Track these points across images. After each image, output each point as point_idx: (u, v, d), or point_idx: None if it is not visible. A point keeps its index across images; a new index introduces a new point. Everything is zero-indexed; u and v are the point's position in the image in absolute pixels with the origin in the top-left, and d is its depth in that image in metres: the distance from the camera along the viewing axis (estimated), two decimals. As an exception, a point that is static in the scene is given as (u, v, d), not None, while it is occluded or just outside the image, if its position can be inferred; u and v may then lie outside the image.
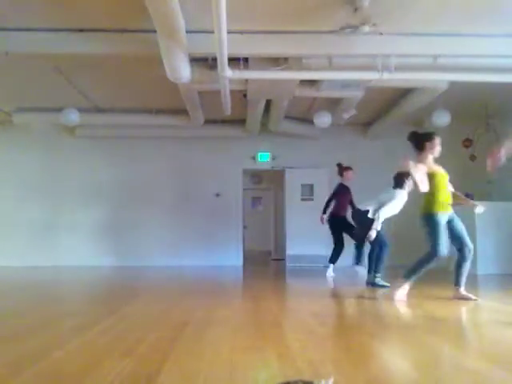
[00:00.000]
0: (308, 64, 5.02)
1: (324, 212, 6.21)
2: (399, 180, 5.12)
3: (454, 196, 4.08)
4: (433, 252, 3.77)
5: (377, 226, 4.87)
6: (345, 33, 4.37)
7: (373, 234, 4.86)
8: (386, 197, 5.04)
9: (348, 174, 6.27)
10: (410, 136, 4.19)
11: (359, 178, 8.64)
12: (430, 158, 4.01)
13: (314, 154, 8.62)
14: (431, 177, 3.88)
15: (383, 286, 4.87)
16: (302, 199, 8.45)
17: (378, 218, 4.89)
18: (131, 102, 7.36)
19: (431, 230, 3.83)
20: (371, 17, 4.07)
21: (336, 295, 4.50)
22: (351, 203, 6.11)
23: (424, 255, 3.86)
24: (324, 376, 1.56)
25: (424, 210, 3.92)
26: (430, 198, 3.89)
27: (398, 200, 4.99)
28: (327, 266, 6.23)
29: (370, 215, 4.95)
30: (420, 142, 4.06)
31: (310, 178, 8.42)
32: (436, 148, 4.02)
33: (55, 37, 4.52)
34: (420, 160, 3.97)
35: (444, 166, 4.06)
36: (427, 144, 4.01)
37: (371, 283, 4.95)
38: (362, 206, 5.17)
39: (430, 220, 3.85)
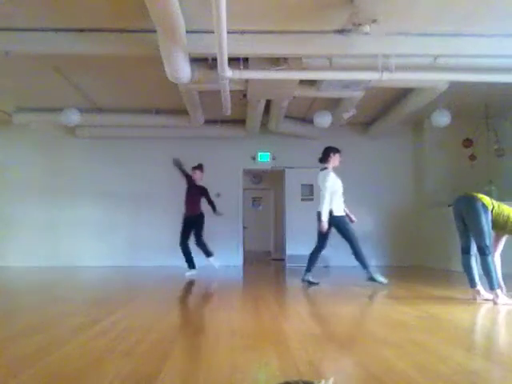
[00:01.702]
0: (308, 64, 5.02)
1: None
2: (325, 154, 5.29)
3: None
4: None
5: (324, 218, 4.95)
6: (345, 33, 4.37)
7: (323, 226, 4.93)
8: (322, 187, 5.16)
9: (195, 175, 6.56)
10: None
11: (359, 178, 8.68)
12: None
13: (314, 154, 8.58)
14: None
15: (380, 282, 4.89)
16: (302, 199, 8.45)
17: (321, 211, 5.00)
18: (131, 101, 7.36)
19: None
20: (371, 17, 4.07)
21: (336, 295, 4.50)
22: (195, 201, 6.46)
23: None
24: (324, 376, 1.56)
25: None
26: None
27: (329, 182, 5.07)
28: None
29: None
30: None
31: (310, 178, 8.39)
32: None
33: (55, 37, 4.52)
34: None
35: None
36: None
37: (370, 278, 4.96)
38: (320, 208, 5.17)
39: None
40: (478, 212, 3.75)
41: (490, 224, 3.76)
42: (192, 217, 6.42)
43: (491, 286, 3.73)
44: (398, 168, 8.58)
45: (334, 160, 5.23)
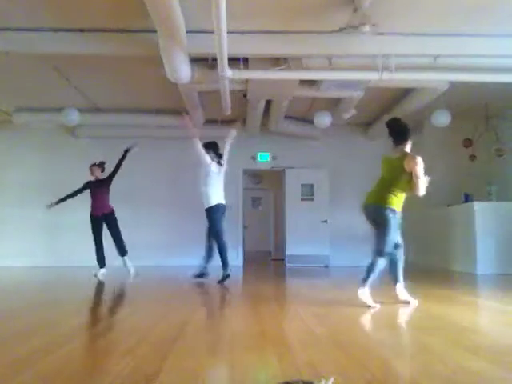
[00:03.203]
0: (308, 64, 5.03)
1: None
2: (214, 147, 5.78)
3: None
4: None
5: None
6: (345, 33, 4.37)
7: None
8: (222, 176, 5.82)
9: (95, 172, 6.42)
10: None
11: (359, 178, 8.68)
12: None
13: (314, 154, 8.62)
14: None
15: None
16: (302, 199, 8.45)
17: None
18: (131, 101, 7.37)
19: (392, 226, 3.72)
20: (371, 17, 4.07)
21: (336, 295, 4.50)
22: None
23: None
24: (324, 376, 1.56)
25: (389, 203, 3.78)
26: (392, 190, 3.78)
27: (213, 174, 5.69)
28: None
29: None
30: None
31: (310, 178, 8.42)
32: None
33: (55, 37, 4.52)
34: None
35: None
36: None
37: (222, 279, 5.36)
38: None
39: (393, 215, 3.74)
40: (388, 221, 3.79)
41: (397, 225, 3.79)
42: (103, 215, 6.29)
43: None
44: (397, 168, 8.56)
45: None
